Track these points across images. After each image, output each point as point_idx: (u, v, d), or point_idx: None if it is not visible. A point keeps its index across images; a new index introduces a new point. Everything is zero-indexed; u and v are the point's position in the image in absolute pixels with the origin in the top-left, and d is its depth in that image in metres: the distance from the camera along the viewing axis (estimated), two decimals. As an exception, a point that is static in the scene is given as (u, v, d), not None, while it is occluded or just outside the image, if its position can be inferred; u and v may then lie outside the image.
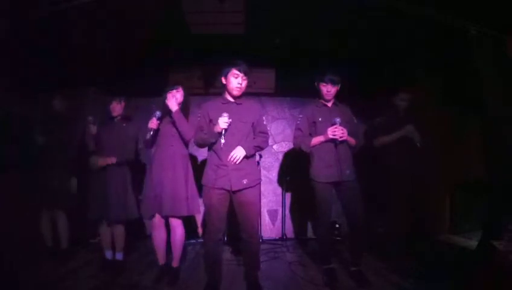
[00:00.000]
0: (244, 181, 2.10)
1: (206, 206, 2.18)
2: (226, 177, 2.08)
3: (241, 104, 2.19)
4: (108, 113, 2.66)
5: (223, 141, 2.05)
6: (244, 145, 2.10)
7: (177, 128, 2.35)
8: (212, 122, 2.15)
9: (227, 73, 2.14)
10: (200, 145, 2.25)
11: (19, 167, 2.68)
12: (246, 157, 2.10)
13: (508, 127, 2.24)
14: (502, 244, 1.97)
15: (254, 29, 2.96)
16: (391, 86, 2.98)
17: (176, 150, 2.39)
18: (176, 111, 2.34)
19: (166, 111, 2.43)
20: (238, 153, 2.07)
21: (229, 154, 2.07)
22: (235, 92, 2.15)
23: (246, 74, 2.13)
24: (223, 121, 2.04)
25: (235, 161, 2.06)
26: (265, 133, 2.26)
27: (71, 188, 2.83)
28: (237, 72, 2.11)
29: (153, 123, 2.36)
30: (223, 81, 2.18)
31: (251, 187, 2.13)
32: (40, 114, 2.81)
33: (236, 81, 2.12)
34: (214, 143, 2.13)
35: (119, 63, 3.18)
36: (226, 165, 2.09)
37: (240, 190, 2.10)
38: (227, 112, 2.09)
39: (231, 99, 2.19)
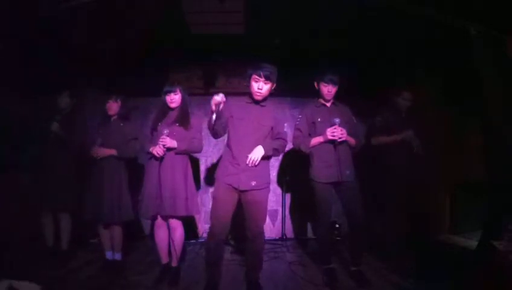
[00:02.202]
0: (253, 183, 2.09)
1: (214, 200, 2.18)
2: (236, 175, 2.09)
3: (264, 106, 2.18)
4: (105, 112, 2.65)
5: (214, 117, 2.00)
6: (264, 145, 2.10)
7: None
8: (233, 117, 2.15)
9: (250, 76, 2.12)
10: (212, 132, 2.12)
11: (19, 167, 2.68)
12: (262, 158, 2.10)
13: (508, 127, 2.24)
14: (502, 244, 1.97)
15: (254, 29, 2.96)
16: (391, 85, 2.98)
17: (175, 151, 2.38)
18: (178, 146, 2.31)
19: (166, 112, 2.43)
20: (257, 154, 2.06)
21: (242, 153, 2.08)
22: (256, 97, 2.13)
23: (267, 79, 2.08)
24: (215, 98, 1.94)
25: (254, 162, 2.06)
26: (283, 139, 2.24)
27: (74, 188, 2.79)
28: (257, 77, 2.08)
29: (164, 139, 2.27)
30: (248, 82, 2.16)
31: (259, 189, 2.13)
32: (52, 111, 2.76)
33: (256, 86, 2.10)
34: (222, 130, 2.11)
35: (119, 63, 3.18)
36: (238, 164, 2.09)
37: (247, 190, 2.10)
38: (248, 112, 2.12)
39: (255, 101, 2.17)
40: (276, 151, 2.20)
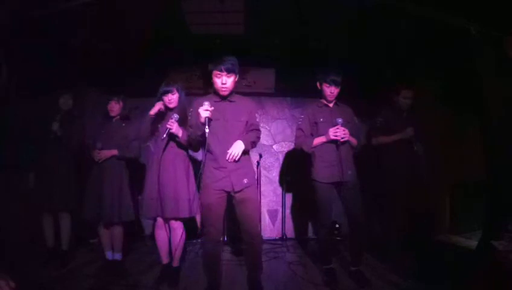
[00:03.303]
0: (245, 181, 2.08)
1: (204, 206, 2.12)
2: (227, 178, 2.05)
3: (234, 101, 2.13)
4: (106, 112, 2.65)
5: (207, 130, 1.95)
6: (243, 140, 2.06)
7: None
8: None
9: (211, 73, 2.08)
10: (190, 144, 2.15)
11: (19, 167, 2.67)
12: (242, 153, 2.05)
13: (508, 127, 2.24)
14: (502, 244, 1.97)
15: (254, 29, 2.96)
16: (391, 85, 2.98)
17: (177, 152, 2.38)
18: (182, 135, 2.27)
19: (165, 113, 2.42)
20: (237, 149, 2.02)
21: (226, 154, 2.03)
22: (222, 92, 2.08)
23: (229, 71, 2.02)
24: (203, 110, 1.95)
25: (234, 157, 2.02)
26: (257, 130, 2.21)
27: (74, 188, 2.78)
28: (218, 72, 2.03)
29: (172, 124, 2.23)
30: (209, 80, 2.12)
31: (251, 186, 2.13)
32: (52, 111, 2.76)
33: (219, 81, 2.04)
34: (204, 141, 2.02)
35: (119, 63, 3.18)
36: (225, 167, 2.05)
37: (241, 190, 2.09)
38: (221, 111, 2.06)
39: (223, 97, 2.12)
40: (253, 144, 2.16)
